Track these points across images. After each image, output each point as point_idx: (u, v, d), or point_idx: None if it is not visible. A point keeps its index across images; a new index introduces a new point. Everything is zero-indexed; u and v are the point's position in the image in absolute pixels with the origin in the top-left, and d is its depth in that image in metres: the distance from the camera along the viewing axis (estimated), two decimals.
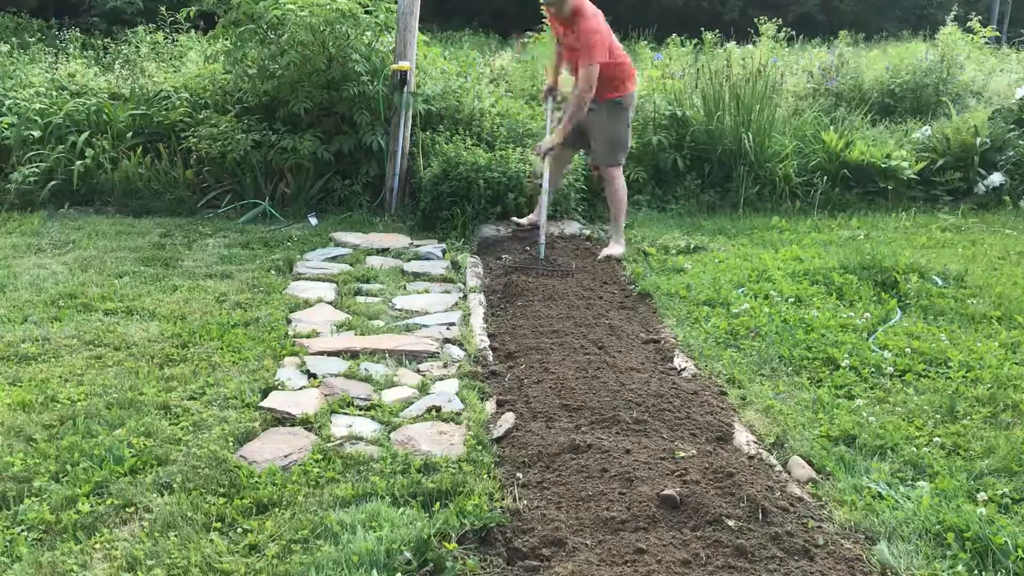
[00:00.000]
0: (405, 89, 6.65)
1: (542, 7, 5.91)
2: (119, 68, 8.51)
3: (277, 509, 2.61)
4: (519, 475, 2.90)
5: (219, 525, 2.53)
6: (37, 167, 6.73)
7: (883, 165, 7.32)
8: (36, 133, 6.89)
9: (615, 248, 5.72)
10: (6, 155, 6.99)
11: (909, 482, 2.83)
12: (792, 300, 4.61)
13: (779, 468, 2.97)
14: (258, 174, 6.78)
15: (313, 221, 6.48)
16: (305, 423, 3.17)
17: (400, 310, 4.53)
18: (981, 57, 10.89)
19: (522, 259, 5.53)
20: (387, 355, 3.83)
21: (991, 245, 5.98)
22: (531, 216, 6.07)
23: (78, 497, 2.62)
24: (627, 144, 5.84)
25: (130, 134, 6.99)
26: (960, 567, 2.37)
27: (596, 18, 5.40)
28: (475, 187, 6.24)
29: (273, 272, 5.13)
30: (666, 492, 2.68)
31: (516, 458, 3.01)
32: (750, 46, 10.19)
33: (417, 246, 5.81)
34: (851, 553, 2.48)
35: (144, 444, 2.96)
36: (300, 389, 3.47)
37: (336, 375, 3.62)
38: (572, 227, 6.42)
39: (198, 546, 2.40)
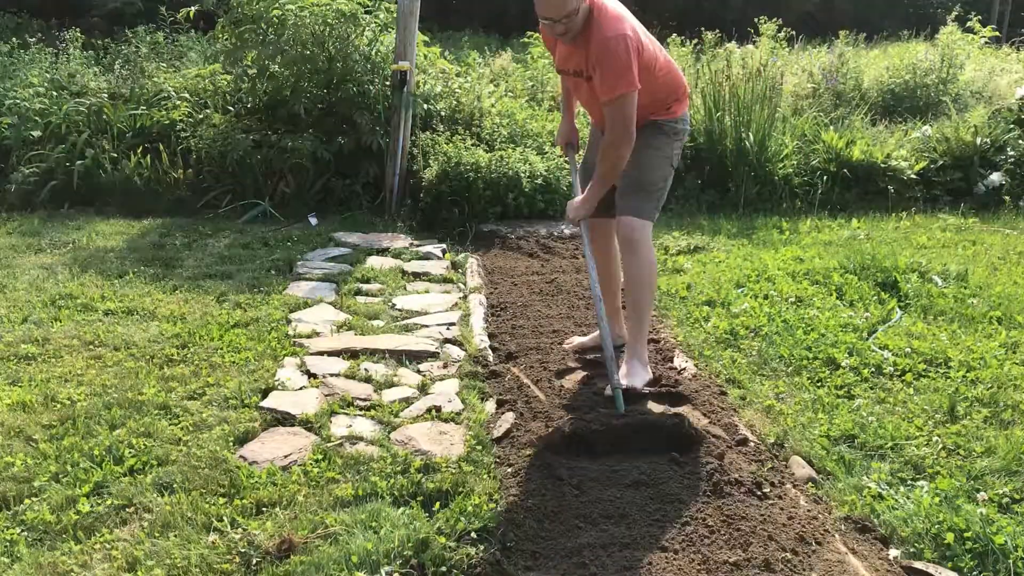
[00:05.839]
0: (405, 89, 6.65)
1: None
2: (119, 68, 8.52)
3: (277, 509, 2.61)
4: None
5: (219, 525, 2.53)
6: (37, 167, 6.74)
7: (883, 165, 7.32)
8: (36, 133, 6.90)
9: (636, 373, 3.48)
10: (6, 155, 7.00)
11: (909, 482, 2.83)
12: (792, 300, 4.61)
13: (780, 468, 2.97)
14: (258, 174, 6.78)
15: (313, 221, 6.48)
16: (305, 423, 3.16)
17: (400, 310, 4.53)
18: (981, 57, 10.89)
19: (593, 417, 3.14)
20: (387, 355, 3.83)
21: (991, 245, 5.98)
22: (589, 337, 4.00)
23: (78, 497, 2.63)
24: (664, 191, 3.65)
25: (130, 134, 7.00)
26: (960, 567, 2.37)
27: (621, 21, 3.31)
28: (475, 187, 6.24)
29: (273, 272, 5.13)
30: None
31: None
32: (750, 46, 10.18)
33: (417, 246, 5.81)
34: (852, 551, 2.48)
35: (144, 444, 2.96)
36: (300, 389, 3.47)
37: (336, 375, 3.62)
38: (571, 226, 6.41)
39: (198, 546, 2.40)
